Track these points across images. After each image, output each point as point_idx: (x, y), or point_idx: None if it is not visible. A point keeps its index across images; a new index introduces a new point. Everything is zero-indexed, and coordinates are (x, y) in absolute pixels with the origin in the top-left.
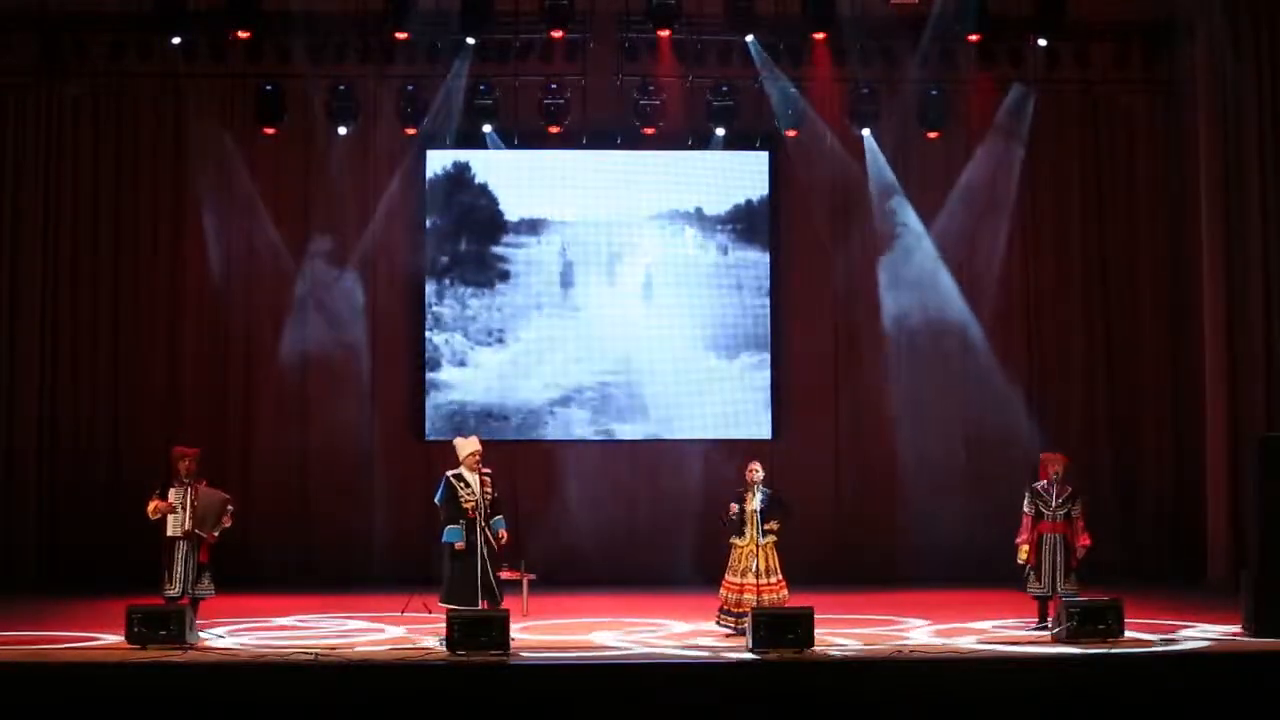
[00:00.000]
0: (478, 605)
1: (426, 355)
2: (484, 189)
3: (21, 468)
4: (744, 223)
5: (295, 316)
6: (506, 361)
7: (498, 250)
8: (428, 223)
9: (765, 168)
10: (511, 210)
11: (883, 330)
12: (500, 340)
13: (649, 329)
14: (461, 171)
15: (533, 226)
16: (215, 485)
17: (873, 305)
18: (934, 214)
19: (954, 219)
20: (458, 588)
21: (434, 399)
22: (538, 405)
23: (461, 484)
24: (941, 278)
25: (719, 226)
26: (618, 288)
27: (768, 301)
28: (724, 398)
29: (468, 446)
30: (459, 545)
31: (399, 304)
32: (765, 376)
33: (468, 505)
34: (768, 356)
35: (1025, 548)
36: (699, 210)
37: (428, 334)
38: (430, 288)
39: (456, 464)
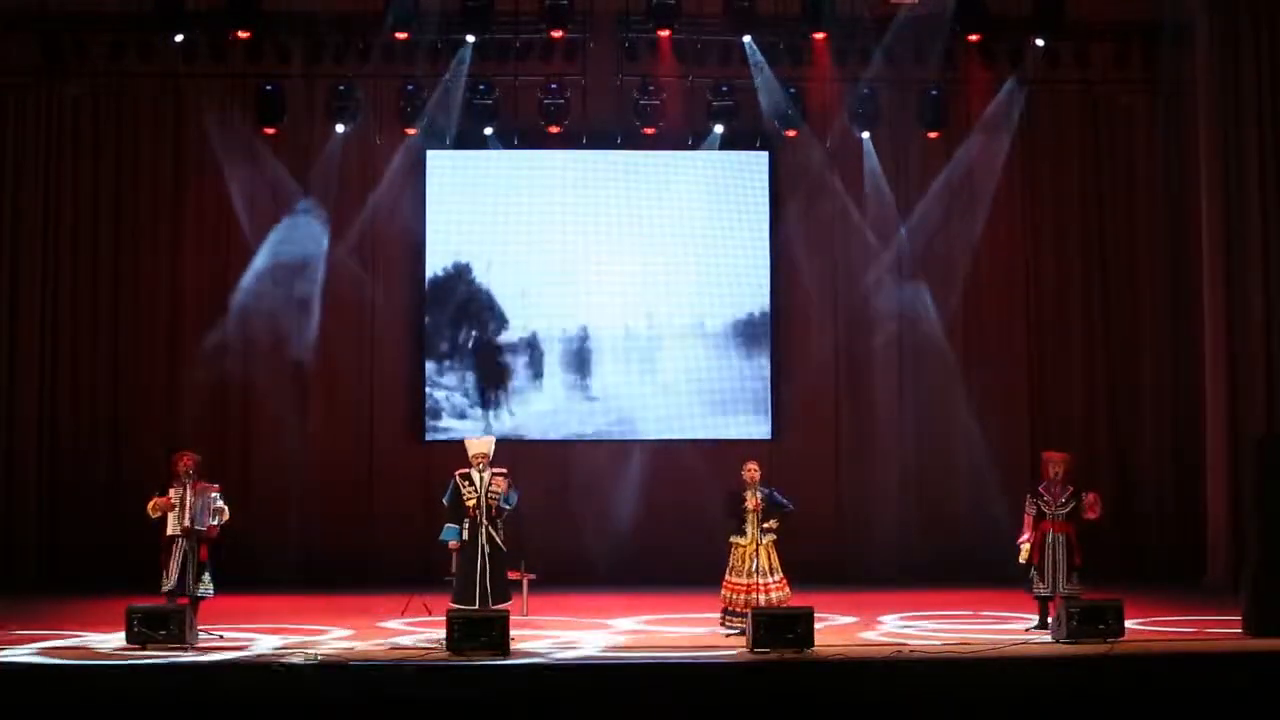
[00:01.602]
0: (474, 606)
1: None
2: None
3: (21, 468)
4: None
5: (296, 317)
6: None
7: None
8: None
9: (765, 168)
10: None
11: (883, 330)
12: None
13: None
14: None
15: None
16: (203, 479)
17: (873, 305)
18: (931, 213)
19: (947, 216)
20: (459, 587)
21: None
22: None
23: (466, 483)
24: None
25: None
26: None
27: (768, 307)
28: (724, 399)
29: (475, 446)
30: (453, 544)
31: (399, 304)
32: (765, 377)
33: (469, 504)
34: (768, 360)
35: (1026, 547)
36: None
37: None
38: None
39: (467, 463)
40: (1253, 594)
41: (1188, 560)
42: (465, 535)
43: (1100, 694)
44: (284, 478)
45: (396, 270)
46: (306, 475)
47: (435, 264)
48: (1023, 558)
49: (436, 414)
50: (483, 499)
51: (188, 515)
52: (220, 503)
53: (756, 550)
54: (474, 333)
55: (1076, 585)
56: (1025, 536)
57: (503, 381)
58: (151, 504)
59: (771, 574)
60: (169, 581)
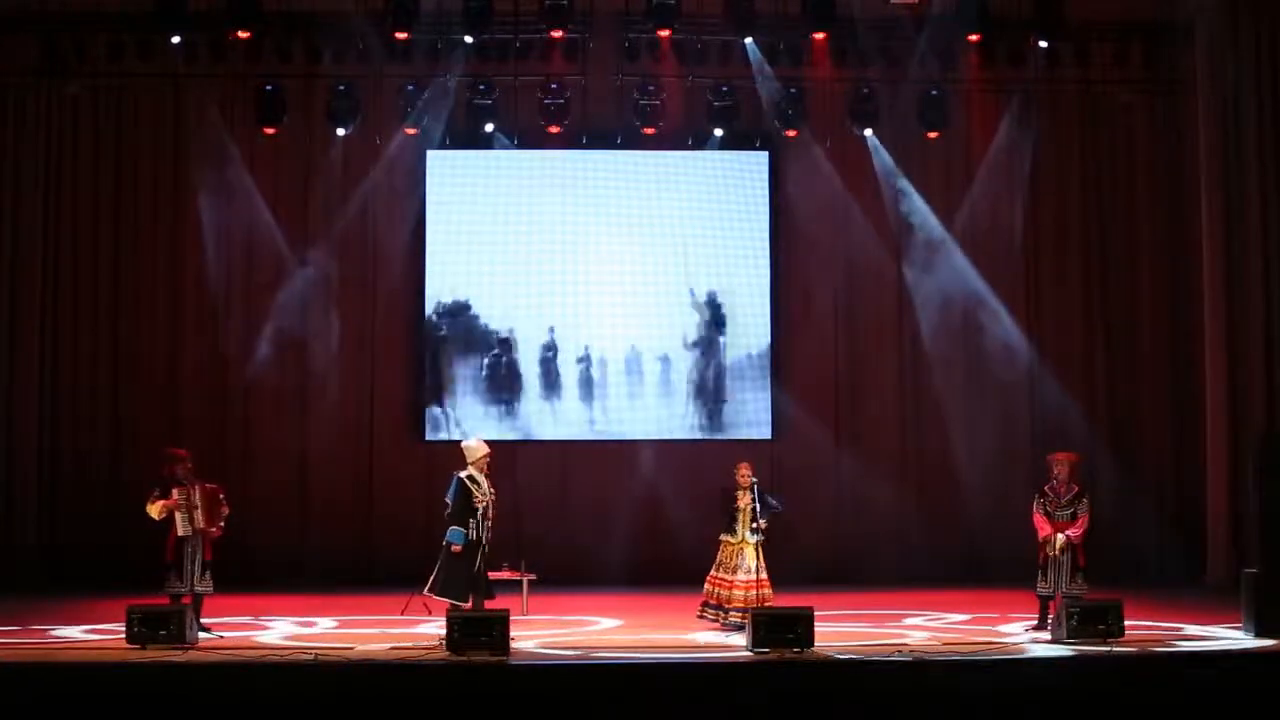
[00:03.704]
0: (467, 601)
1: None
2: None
3: (21, 468)
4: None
5: (295, 317)
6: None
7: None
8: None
9: (765, 168)
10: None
11: (883, 330)
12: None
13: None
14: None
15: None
16: (202, 479)
17: (872, 304)
18: (932, 213)
19: (948, 216)
20: (452, 581)
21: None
22: None
23: (474, 485)
24: (950, 275)
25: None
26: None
27: (768, 307)
28: (724, 398)
29: (480, 450)
30: (456, 548)
31: (399, 303)
32: (765, 376)
33: (479, 505)
34: (768, 359)
35: (1060, 538)
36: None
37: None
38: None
39: (463, 464)
40: (1253, 594)
41: (1188, 560)
42: (472, 536)
43: (1100, 694)
44: (284, 477)
45: (396, 269)
46: (306, 475)
47: (435, 263)
48: (1058, 548)
49: (436, 414)
50: (489, 501)
51: (200, 517)
52: (224, 503)
53: (745, 549)
54: (473, 333)
55: (1081, 585)
56: (1045, 532)
57: (502, 383)
58: (160, 506)
59: (759, 573)
60: (181, 584)
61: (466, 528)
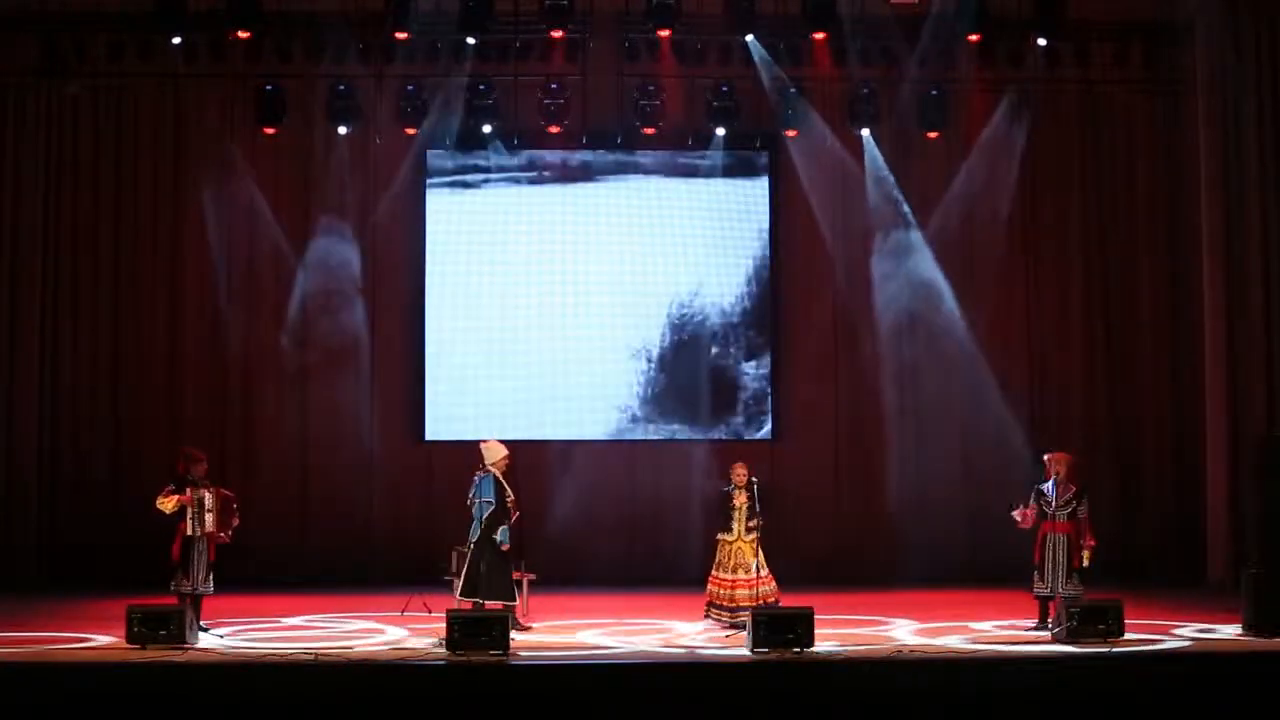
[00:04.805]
0: (515, 600)
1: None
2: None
3: (21, 468)
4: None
5: (295, 317)
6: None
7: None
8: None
9: (765, 168)
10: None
11: (883, 331)
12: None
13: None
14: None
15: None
16: (216, 484)
17: (873, 306)
18: (933, 215)
19: (947, 216)
20: (501, 584)
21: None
22: None
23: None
24: (940, 278)
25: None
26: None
27: (769, 307)
28: (724, 399)
29: (499, 451)
30: (505, 546)
31: (399, 304)
32: (765, 378)
33: (510, 504)
34: (768, 360)
35: (1083, 552)
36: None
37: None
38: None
39: (481, 465)
40: (1253, 594)
41: (1188, 560)
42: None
43: (1100, 694)
44: (284, 477)
45: (396, 269)
46: (307, 475)
47: (434, 263)
48: (1088, 559)
49: (437, 414)
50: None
51: (213, 520)
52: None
53: (743, 547)
54: (472, 332)
55: (1077, 586)
56: (1026, 523)
57: (502, 382)
58: (172, 500)
59: (758, 570)
60: (188, 583)
61: (507, 525)
